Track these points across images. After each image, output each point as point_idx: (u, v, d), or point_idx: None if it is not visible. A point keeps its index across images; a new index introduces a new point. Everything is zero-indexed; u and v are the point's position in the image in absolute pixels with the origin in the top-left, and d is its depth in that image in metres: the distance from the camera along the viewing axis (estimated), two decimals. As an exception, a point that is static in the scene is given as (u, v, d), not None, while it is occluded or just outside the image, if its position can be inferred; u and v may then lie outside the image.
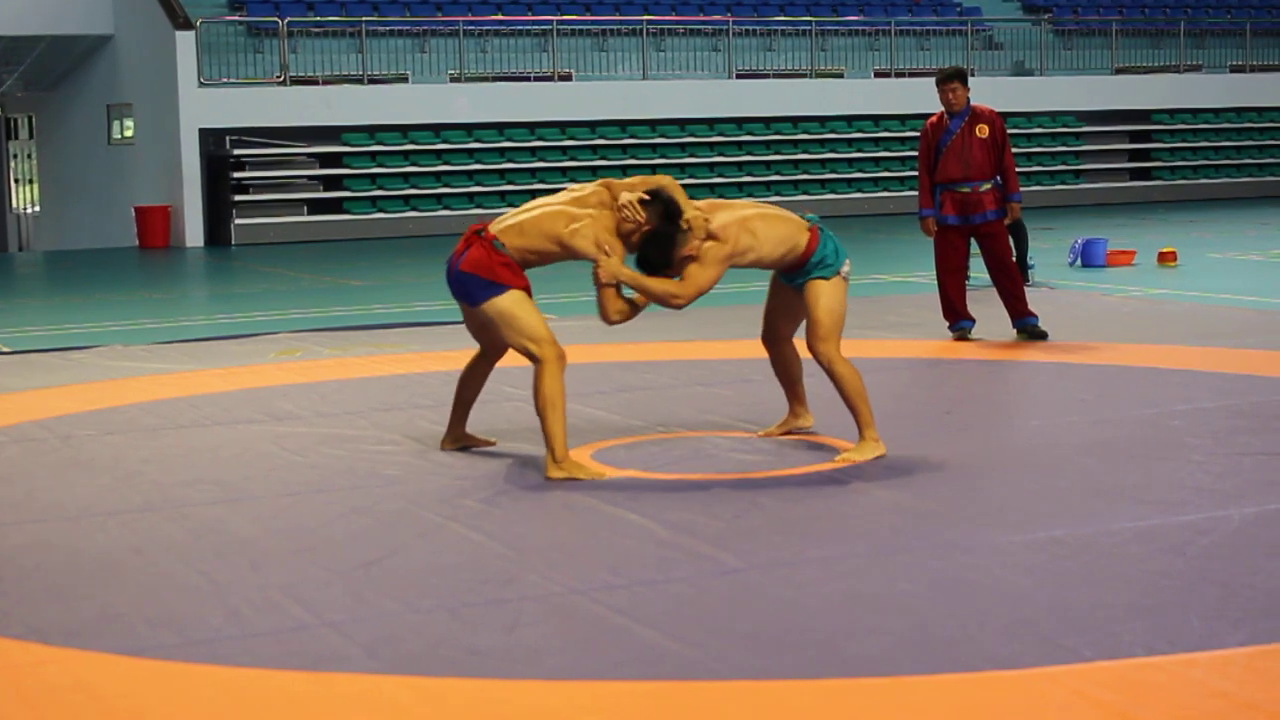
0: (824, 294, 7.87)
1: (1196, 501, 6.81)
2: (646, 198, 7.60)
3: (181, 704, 4.68)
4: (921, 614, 5.32)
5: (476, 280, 7.66)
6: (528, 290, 7.70)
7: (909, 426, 8.72)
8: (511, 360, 11.14)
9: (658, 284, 7.61)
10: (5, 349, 12.86)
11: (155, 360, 11.80)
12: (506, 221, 7.78)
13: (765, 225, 7.80)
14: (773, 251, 7.81)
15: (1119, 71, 32.40)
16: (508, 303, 7.62)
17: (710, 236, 7.63)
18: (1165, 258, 17.86)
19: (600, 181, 7.84)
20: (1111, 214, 27.64)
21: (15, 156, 36.27)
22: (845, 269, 7.95)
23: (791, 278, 8.00)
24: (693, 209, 7.66)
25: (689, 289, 7.62)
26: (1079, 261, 17.89)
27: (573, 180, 27.05)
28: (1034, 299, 12.28)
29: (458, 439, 8.28)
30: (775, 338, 8.33)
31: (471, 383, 8.24)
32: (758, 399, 9.36)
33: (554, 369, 7.57)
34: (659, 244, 7.57)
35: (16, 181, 36.32)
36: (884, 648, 4.99)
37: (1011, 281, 11.86)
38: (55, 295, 19.15)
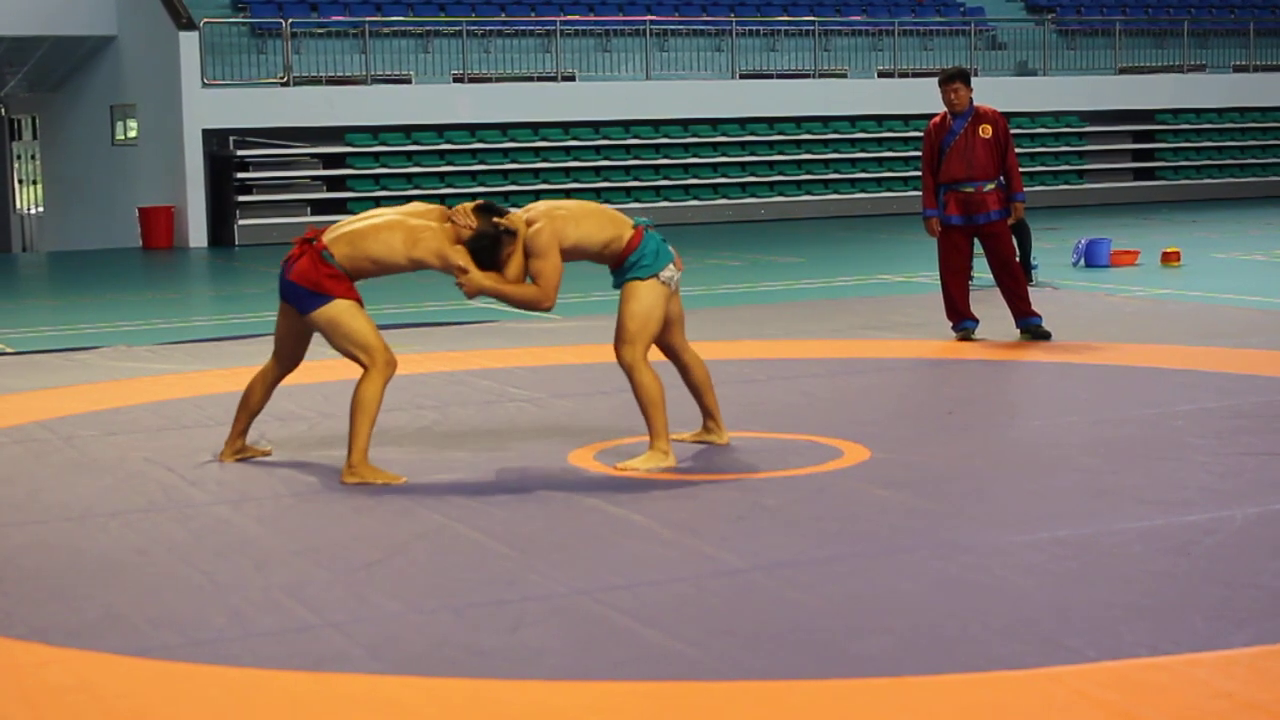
0: (635, 296, 7.77)
1: (1200, 501, 6.81)
2: (479, 205, 7.70)
3: (184, 704, 4.68)
4: (924, 614, 5.31)
5: (303, 291, 7.68)
6: (358, 300, 7.71)
7: (911, 426, 8.72)
8: (516, 360, 11.15)
9: (519, 291, 7.68)
10: (9, 350, 12.87)
11: (159, 361, 11.81)
12: (338, 230, 7.79)
13: (580, 211, 7.81)
14: (595, 235, 7.74)
15: (1122, 71, 32.39)
16: (336, 312, 7.64)
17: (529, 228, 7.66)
18: (1169, 258, 17.85)
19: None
20: (1115, 214, 27.63)
21: (19, 157, 36.29)
22: (666, 273, 7.82)
23: (617, 279, 7.90)
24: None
25: (547, 287, 7.66)
26: (1082, 261, 17.89)
27: (576, 180, 27.09)
28: (1037, 299, 12.28)
29: (238, 450, 8.19)
30: (665, 348, 8.12)
31: (258, 392, 8.14)
32: (759, 399, 9.36)
33: (377, 376, 7.61)
34: (483, 248, 7.61)
35: (20, 182, 36.34)
36: (886, 648, 4.99)
37: (1015, 281, 11.85)
38: (59, 296, 19.16)
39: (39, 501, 7.31)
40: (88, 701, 4.71)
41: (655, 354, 8.04)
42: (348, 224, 7.82)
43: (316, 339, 8.02)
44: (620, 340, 7.82)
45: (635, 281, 7.79)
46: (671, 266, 7.87)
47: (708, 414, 8.20)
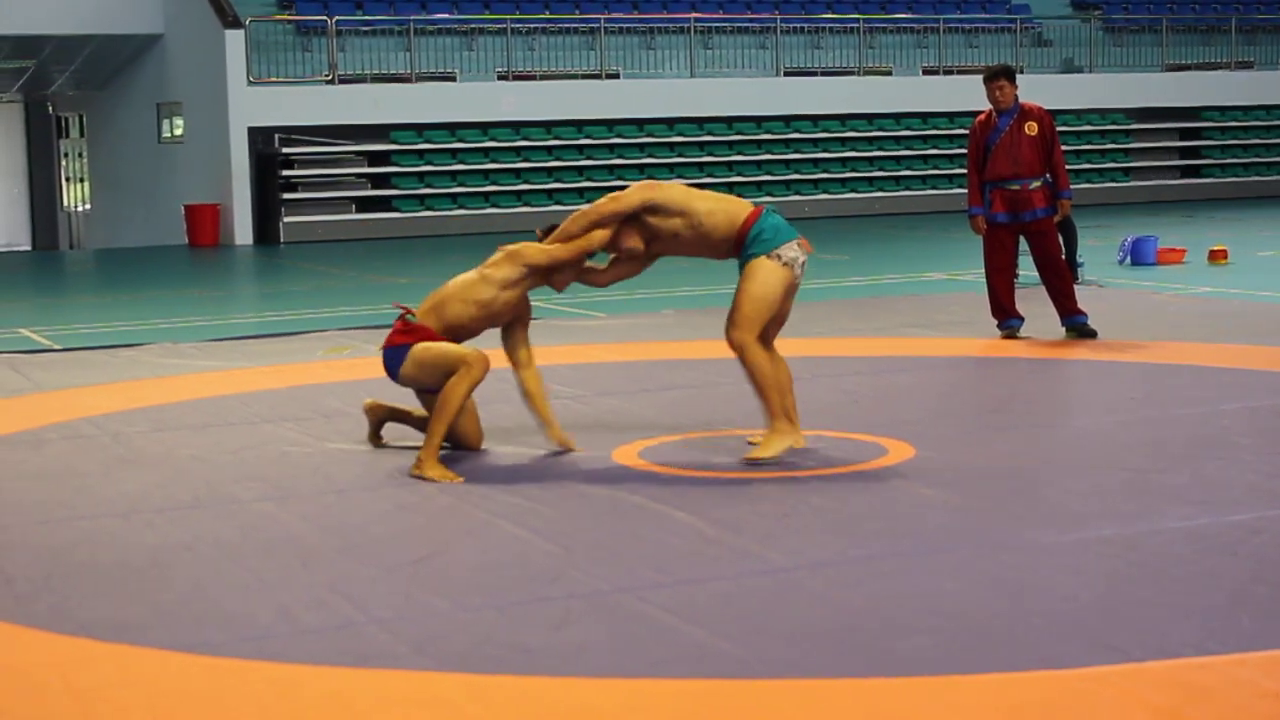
0: (753, 276, 7.61)
1: (1247, 501, 6.77)
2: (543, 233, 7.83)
3: (230, 700, 4.70)
4: (968, 613, 5.30)
5: (389, 352, 7.83)
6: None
7: (956, 425, 8.69)
8: (560, 357, 11.16)
9: (570, 218, 7.75)
10: (56, 346, 12.94)
11: (204, 358, 11.86)
12: (424, 306, 7.92)
13: (697, 192, 7.80)
14: (700, 204, 7.68)
15: (1169, 69, 32.21)
16: (413, 355, 7.75)
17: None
18: (1216, 256, 17.76)
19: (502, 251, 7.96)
20: (1161, 212, 27.50)
21: (66, 155, 36.50)
22: (790, 252, 7.65)
23: (741, 260, 7.76)
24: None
25: (603, 203, 7.69)
26: (1129, 260, 17.80)
27: (620, 178, 27.09)
28: (1083, 297, 12.22)
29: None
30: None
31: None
32: (803, 397, 9.33)
33: (466, 374, 7.63)
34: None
35: (68, 180, 36.56)
36: (930, 647, 4.97)
37: (1061, 279, 11.80)
38: (105, 293, 19.26)
39: (86, 497, 7.35)
40: (135, 697, 4.74)
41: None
42: (430, 296, 7.96)
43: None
44: (731, 323, 7.67)
45: (757, 260, 7.63)
46: (796, 245, 7.69)
47: (789, 415, 8.13)
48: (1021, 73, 27.53)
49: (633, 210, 7.66)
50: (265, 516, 6.90)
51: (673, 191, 7.69)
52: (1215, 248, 17.99)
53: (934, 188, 29.55)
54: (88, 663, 5.05)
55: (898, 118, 29.70)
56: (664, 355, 11.38)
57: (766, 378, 7.65)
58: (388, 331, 8.03)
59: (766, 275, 7.62)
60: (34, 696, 4.76)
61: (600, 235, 7.73)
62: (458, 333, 7.81)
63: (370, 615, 5.42)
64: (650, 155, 28.01)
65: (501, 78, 27.88)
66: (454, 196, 26.76)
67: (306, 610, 5.51)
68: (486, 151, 27.22)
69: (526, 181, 27.08)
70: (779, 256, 7.64)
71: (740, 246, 7.70)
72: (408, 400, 8.39)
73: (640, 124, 28.14)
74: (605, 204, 7.70)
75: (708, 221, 7.66)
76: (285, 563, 6.14)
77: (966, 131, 13.67)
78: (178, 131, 28.55)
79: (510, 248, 7.83)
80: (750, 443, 8.09)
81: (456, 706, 4.61)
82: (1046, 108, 12.17)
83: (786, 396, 8.05)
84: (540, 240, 7.83)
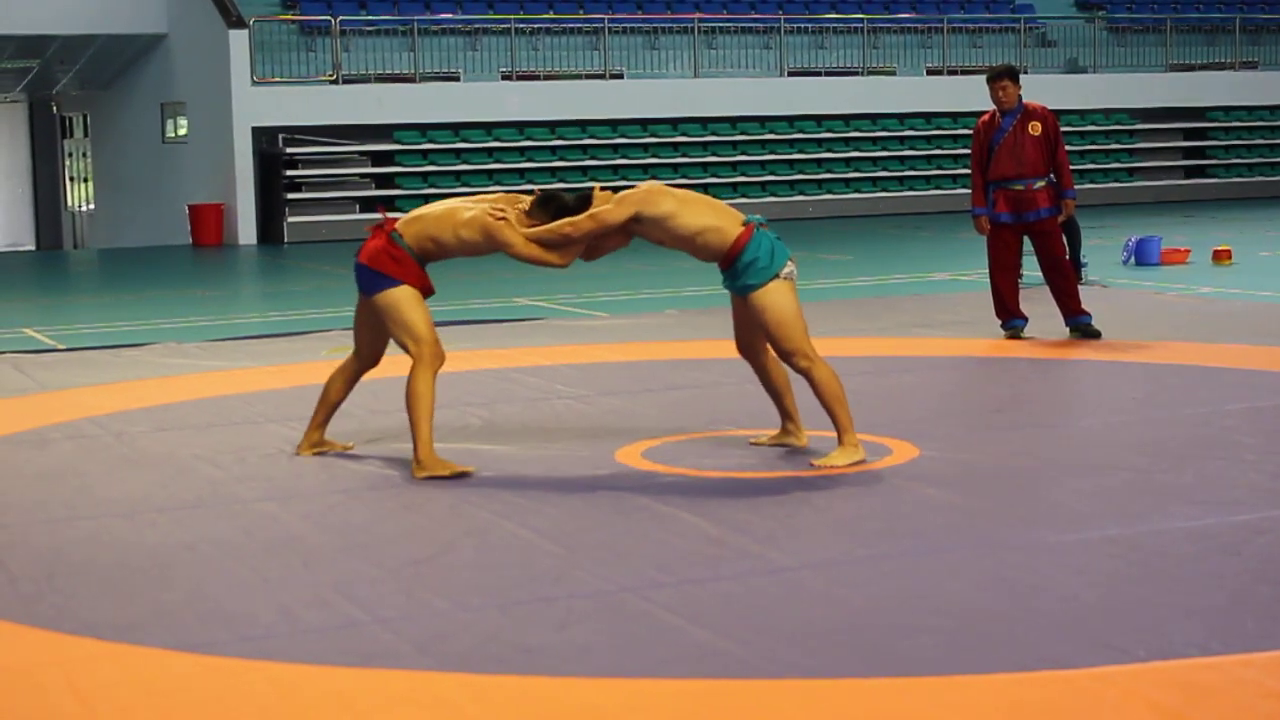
0: (769, 306, 7.60)
1: (1251, 501, 6.76)
2: (537, 197, 7.74)
3: (233, 699, 4.70)
4: (972, 613, 5.29)
5: (370, 272, 7.79)
6: (423, 287, 7.80)
7: (960, 425, 8.69)
8: (563, 358, 11.16)
9: (556, 224, 7.62)
10: (60, 346, 12.95)
11: (208, 358, 11.86)
12: (411, 214, 7.93)
13: (688, 197, 7.73)
14: (691, 221, 7.58)
15: (1173, 69, 32.19)
16: (396, 298, 7.75)
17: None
18: (1220, 256, 17.74)
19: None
20: (1165, 212, 27.48)
21: (70, 155, 36.53)
22: (786, 270, 7.64)
23: (728, 280, 7.74)
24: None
25: (585, 220, 7.56)
26: (1132, 260, 17.79)
27: (624, 178, 27.08)
28: (1087, 297, 12.22)
29: (315, 444, 8.26)
30: (746, 349, 8.04)
31: (339, 387, 8.24)
32: (807, 397, 9.33)
33: (424, 369, 7.69)
34: (571, 212, 7.63)
35: (71, 179, 36.58)
36: (934, 646, 4.97)
37: (1065, 279, 11.79)
38: (109, 293, 19.27)
39: (89, 497, 7.35)
40: (137, 696, 4.74)
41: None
42: (423, 209, 7.94)
43: None
44: (782, 352, 7.68)
45: (758, 294, 7.60)
46: (790, 263, 7.70)
47: (787, 416, 8.09)
48: (1025, 73, 27.50)
49: (619, 225, 7.63)
50: (268, 516, 6.90)
51: (664, 205, 7.59)
52: (1219, 248, 17.97)
53: (938, 188, 29.54)
54: (90, 662, 5.05)
55: (902, 118, 29.69)
56: (667, 355, 11.38)
57: (834, 392, 7.67)
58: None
59: (778, 298, 7.63)
60: (37, 696, 4.76)
61: (577, 249, 7.74)
62: (431, 255, 7.80)
63: (373, 615, 5.42)
64: (654, 155, 28.00)
65: (505, 78, 27.88)
66: (457, 196, 26.71)
67: (309, 610, 5.50)
68: (490, 151, 27.22)
69: (530, 181, 27.05)
70: (776, 276, 7.64)
71: (729, 263, 7.67)
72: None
73: (644, 124, 28.15)
74: (588, 222, 7.61)
75: (697, 240, 7.65)
76: (287, 562, 6.14)
77: (970, 132, 13.66)
78: (182, 131, 28.56)
79: (495, 220, 7.68)
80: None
81: (459, 706, 4.61)
82: (1050, 108, 12.16)
83: (786, 397, 8.08)
84: (534, 205, 7.71)
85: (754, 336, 7.97)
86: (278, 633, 5.28)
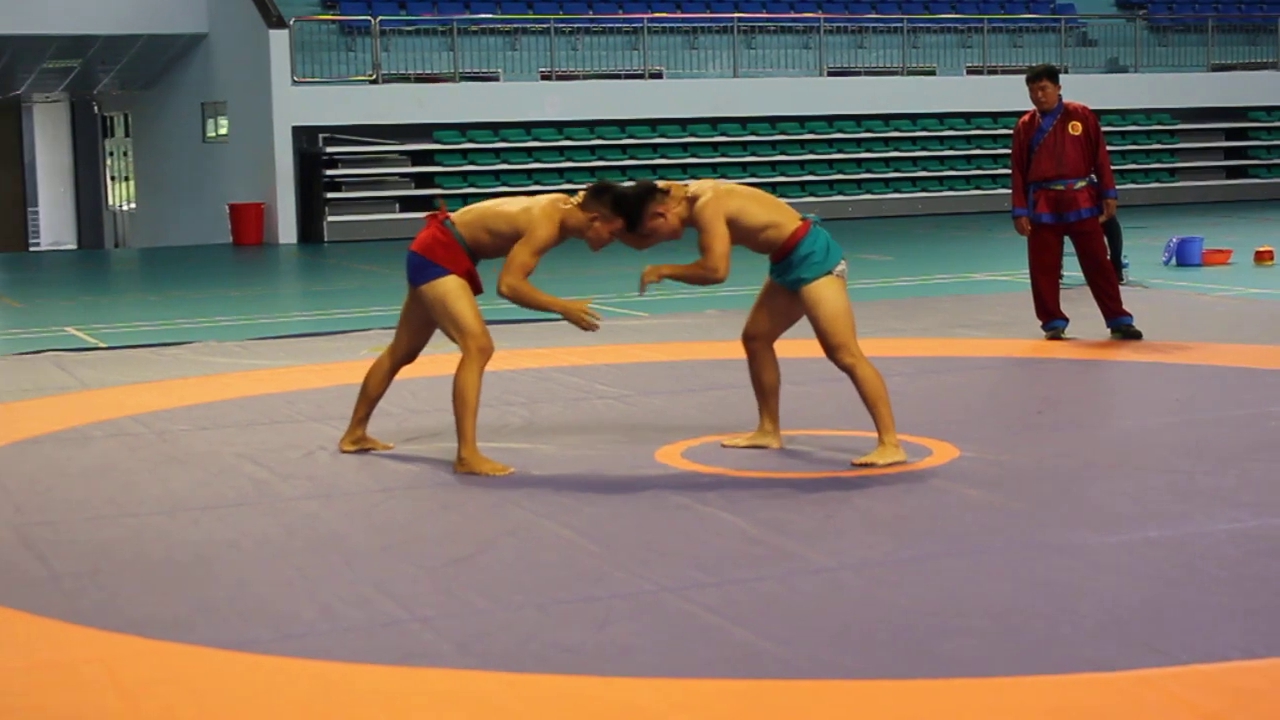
0: (822, 300, 7.64)
1: (1294, 503, 6.73)
2: (592, 188, 7.69)
3: (274, 697, 4.72)
4: (1013, 614, 5.28)
5: (420, 260, 7.77)
6: (472, 278, 7.79)
7: (1001, 426, 8.66)
8: (604, 357, 11.16)
9: (690, 268, 7.62)
10: (102, 345, 13.01)
11: (249, 356, 11.90)
12: (469, 207, 7.92)
13: (744, 189, 7.75)
14: (758, 213, 7.63)
15: (1215, 68, 32.04)
16: (445, 289, 7.73)
17: (690, 200, 7.59)
18: (1262, 257, 17.65)
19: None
20: (1207, 212, 27.36)
21: (111, 154, 36.71)
22: (839, 268, 7.71)
23: (780, 272, 7.78)
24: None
25: (716, 258, 7.53)
26: (1174, 260, 17.71)
27: (663, 178, 27.07)
28: (1128, 298, 12.17)
29: (357, 440, 8.28)
30: (755, 336, 8.03)
31: (377, 381, 8.24)
32: (847, 396, 9.31)
33: (471, 363, 7.68)
34: (631, 201, 7.56)
35: (113, 179, 36.77)
36: (975, 648, 4.96)
37: (1106, 280, 11.75)
38: (151, 292, 19.35)
39: (132, 495, 7.38)
40: (180, 693, 4.76)
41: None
42: (480, 203, 7.95)
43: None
44: (830, 348, 7.70)
45: (811, 287, 7.65)
46: (843, 262, 7.76)
47: (770, 417, 8.12)
48: (1066, 73, 27.44)
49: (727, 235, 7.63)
50: (309, 515, 6.92)
51: (733, 203, 7.60)
52: (1262, 249, 17.87)
53: (978, 188, 29.47)
54: (133, 659, 5.08)
55: (941, 118, 29.63)
56: (707, 355, 11.37)
57: (876, 391, 7.67)
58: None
59: (830, 294, 7.67)
60: (80, 692, 4.78)
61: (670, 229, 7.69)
62: (484, 248, 7.79)
63: (413, 613, 5.43)
64: (693, 155, 28.00)
65: (545, 77, 27.92)
66: (497, 196, 26.75)
67: (350, 608, 5.52)
68: (530, 151, 27.26)
69: (569, 181, 27.07)
70: (829, 273, 7.67)
71: (783, 255, 7.70)
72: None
73: (683, 124, 28.14)
74: (710, 260, 7.55)
75: (760, 236, 7.70)
76: (329, 561, 6.15)
77: (1010, 131, 13.63)
78: (222, 131, 28.67)
79: (562, 208, 7.66)
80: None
81: (499, 705, 4.62)
82: (1091, 108, 12.11)
83: (772, 398, 8.09)
84: (589, 197, 7.67)
85: (773, 329, 8.02)
86: (319, 630, 5.29)
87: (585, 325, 7.65)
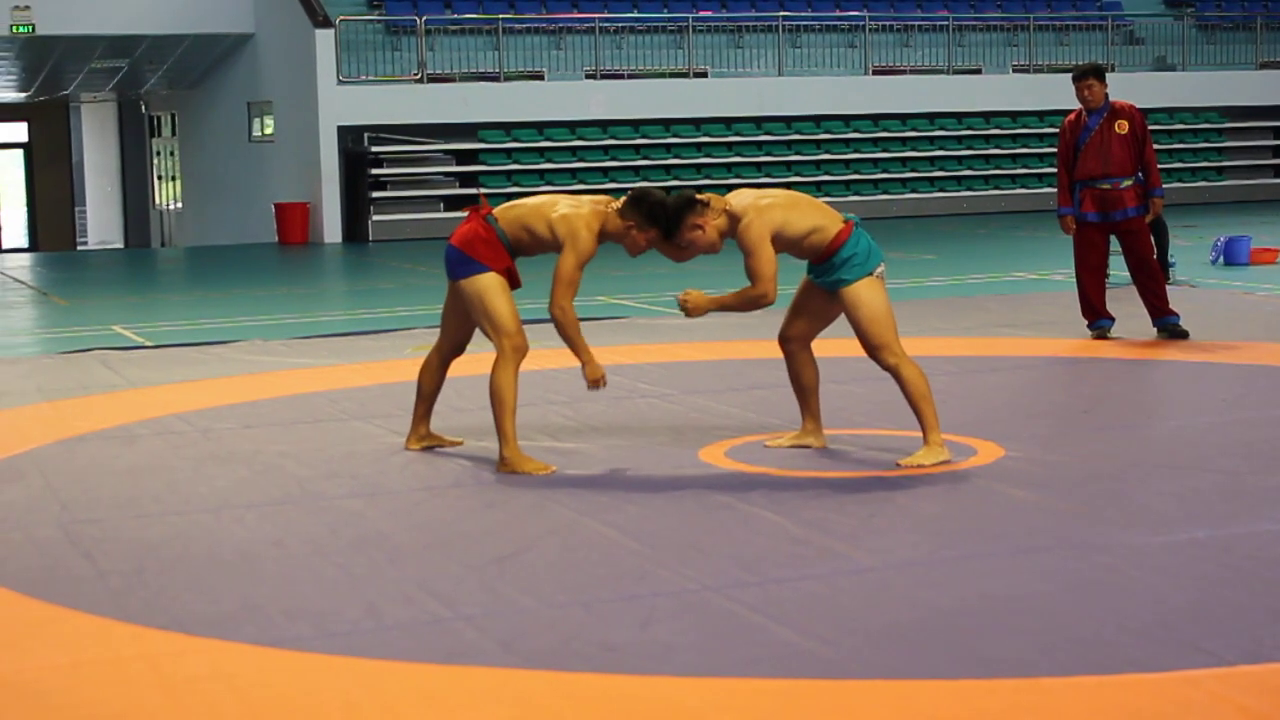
0: (862, 301, 7.62)
1: (1342, 504, 6.68)
2: (629, 196, 7.66)
3: (318, 695, 4.73)
4: (1057, 615, 5.26)
5: (459, 255, 7.78)
6: (511, 275, 7.80)
7: (1046, 425, 8.63)
8: (646, 356, 11.16)
9: (737, 296, 7.61)
10: (149, 343, 13.07)
11: (293, 355, 11.94)
12: (512, 203, 7.92)
13: (786, 198, 7.72)
14: (799, 222, 7.59)
15: (1263, 66, 31.84)
16: (484, 285, 7.74)
17: (732, 217, 7.56)
18: (1311, 256, 17.55)
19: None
20: (1255, 211, 27.20)
21: (158, 154, 36.88)
22: (879, 270, 7.69)
23: (820, 274, 7.76)
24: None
25: (764, 282, 7.52)
26: (1221, 260, 17.62)
27: (708, 177, 27.07)
28: (1175, 297, 12.11)
29: (422, 438, 8.30)
30: (792, 336, 8.00)
31: (429, 377, 8.27)
32: (892, 396, 9.29)
33: (506, 362, 7.70)
34: (667, 212, 7.52)
35: (159, 178, 36.94)
36: (1019, 648, 4.94)
37: (1152, 279, 11.69)
38: (196, 290, 19.43)
39: (177, 493, 7.41)
40: (224, 691, 4.77)
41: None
42: (522, 200, 7.95)
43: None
44: (872, 349, 7.69)
45: (851, 289, 7.63)
46: (883, 264, 7.76)
47: (812, 416, 8.11)
48: (1113, 71, 27.29)
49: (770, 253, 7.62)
50: (353, 513, 6.94)
51: (776, 216, 7.59)
52: (1310, 248, 17.78)
53: (1023, 187, 29.37)
54: (179, 656, 5.10)
55: (987, 116, 29.53)
56: (751, 354, 11.35)
57: (920, 391, 7.65)
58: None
59: (870, 296, 7.65)
60: (126, 689, 4.80)
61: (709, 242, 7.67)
62: (524, 245, 7.80)
63: (457, 612, 5.44)
64: (738, 154, 27.98)
65: (589, 77, 27.93)
66: (540, 194, 26.76)
67: (394, 606, 5.53)
68: (574, 150, 27.28)
69: (614, 180, 27.09)
70: (870, 274, 7.67)
71: (825, 258, 7.69)
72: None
73: (728, 123, 28.13)
74: (760, 286, 7.53)
75: (804, 242, 7.68)
76: (373, 559, 6.17)
77: (1057, 130, 13.58)
78: (268, 130, 28.78)
79: (601, 210, 7.69)
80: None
81: (543, 704, 4.62)
82: (1139, 107, 12.05)
83: (813, 396, 8.08)
84: (627, 205, 7.66)
85: (810, 329, 8.00)
86: (363, 629, 5.31)
87: (596, 385, 7.73)
